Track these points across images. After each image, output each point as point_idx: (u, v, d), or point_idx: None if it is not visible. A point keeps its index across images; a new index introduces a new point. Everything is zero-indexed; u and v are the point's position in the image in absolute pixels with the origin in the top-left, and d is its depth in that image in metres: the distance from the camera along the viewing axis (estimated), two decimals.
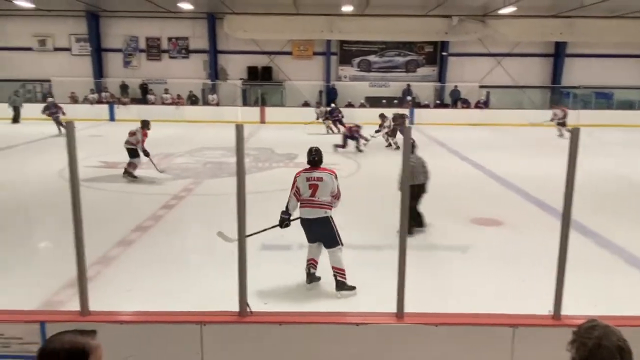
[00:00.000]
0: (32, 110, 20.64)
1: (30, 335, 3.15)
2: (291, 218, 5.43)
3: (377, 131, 16.56)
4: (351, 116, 19.57)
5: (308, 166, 5.48)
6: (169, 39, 25.74)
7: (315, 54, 25.82)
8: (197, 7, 22.24)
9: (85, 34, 25.22)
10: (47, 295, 5.11)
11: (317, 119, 20.42)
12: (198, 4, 21.69)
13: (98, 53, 25.52)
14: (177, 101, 24.81)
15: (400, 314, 3.21)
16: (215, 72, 25.66)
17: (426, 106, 25.10)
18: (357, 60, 26.24)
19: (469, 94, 25.43)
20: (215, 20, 24.98)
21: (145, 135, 10.85)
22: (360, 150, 15.56)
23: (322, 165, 5.49)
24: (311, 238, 5.49)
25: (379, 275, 5.47)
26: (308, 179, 5.37)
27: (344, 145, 15.65)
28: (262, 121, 23.25)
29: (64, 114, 18.43)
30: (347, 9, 22.18)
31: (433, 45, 25.95)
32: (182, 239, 7.29)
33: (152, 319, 3.29)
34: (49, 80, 25.59)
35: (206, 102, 25.04)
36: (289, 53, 25.79)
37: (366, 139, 15.98)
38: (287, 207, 5.40)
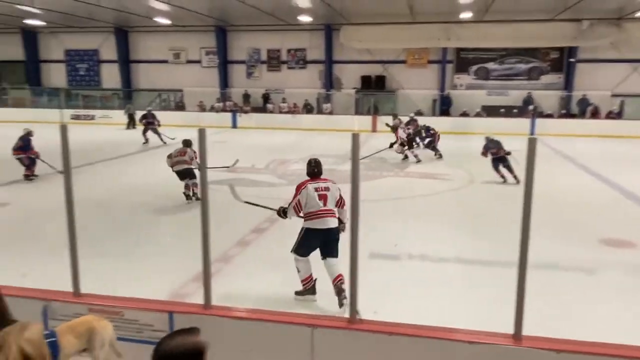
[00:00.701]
0: (166, 117, 22.41)
1: (160, 323, 3.45)
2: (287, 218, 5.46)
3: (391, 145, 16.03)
4: (465, 126, 18.89)
5: (308, 178, 5.37)
6: (288, 51, 26.82)
7: (430, 62, 25.38)
8: (316, 19, 22.94)
9: (213, 48, 27.14)
10: (175, 287, 5.56)
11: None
12: (317, 16, 22.37)
13: (224, 65, 27.32)
14: (293, 110, 25.76)
15: (518, 335, 3.03)
16: (330, 82, 26.26)
17: (549, 116, 23.52)
18: (474, 68, 25.34)
19: (599, 103, 23.40)
20: (331, 31, 25.58)
21: (194, 152, 10.15)
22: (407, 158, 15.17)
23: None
24: (318, 249, 5.24)
25: (494, 292, 5.22)
26: (317, 189, 5.24)
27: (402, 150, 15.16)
28: (374, 130, 23.31)
29: (159, 124, 18.60)
30: (466, 15, 21.53)
31: (559, 51, 24.27)
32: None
33: (267, 317, 3.44)
34: (181, 90, 27.90)
35: (320, 111, 25.69)
36: (403, 62, 25.62)
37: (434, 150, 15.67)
38: (287, 210, 5.40)
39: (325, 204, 5.21)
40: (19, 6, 20.38)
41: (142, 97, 28.22)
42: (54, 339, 2.94)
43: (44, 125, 19.43)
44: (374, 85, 25.72)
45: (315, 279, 5.35)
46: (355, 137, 3.04)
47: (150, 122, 18.50)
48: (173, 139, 16.92)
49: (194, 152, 9.80)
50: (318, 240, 5.20)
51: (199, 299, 3.61)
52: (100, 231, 7.64)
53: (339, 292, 5.03)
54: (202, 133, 3.25)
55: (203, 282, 3.46)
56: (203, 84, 27.39)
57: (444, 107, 24.91)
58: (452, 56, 25.24)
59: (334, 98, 26.28)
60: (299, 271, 5.34)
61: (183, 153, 9.84)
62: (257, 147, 17.89)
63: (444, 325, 3.31)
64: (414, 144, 15.68)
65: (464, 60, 25.31)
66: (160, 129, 18.45)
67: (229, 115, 25.35)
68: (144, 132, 18.55)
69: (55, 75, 29.57)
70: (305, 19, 22.52)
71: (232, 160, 12.02)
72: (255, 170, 13.38)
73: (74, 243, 3.70)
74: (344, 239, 3.44)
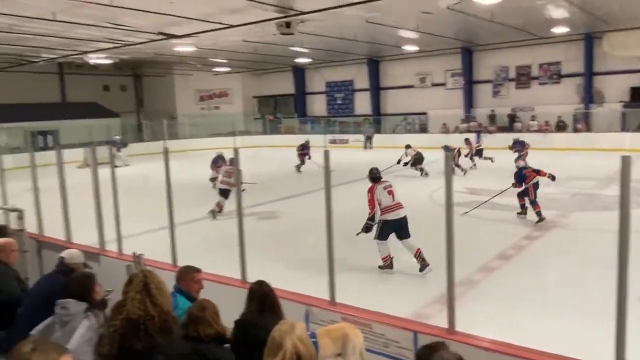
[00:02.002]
0: (410, 140, 23.01)
1: (405, 341, 3.57)
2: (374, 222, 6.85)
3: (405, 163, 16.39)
4: None
5: (372, 183, 6.90)
6: (540, 65, 25.00)
7: None
8: (573, 29, 20.89)
9: (458, 69, 27.03)
10: (417, 307, 5.67)
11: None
12: (574, 26, 20.35)
13: (469, 85, 26.92)
14: (544, 128, 23.79)
15: None
16: (589, 96, 23.47)
17: None
18: None
19: None
20: (592, 40, 22.91)
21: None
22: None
23: None
24: (396, 234, 6.82)
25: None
26: (385, 188, 6.78)
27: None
28: None
29: (309, 157, 18.38)
30: None
31: None
32: (544, 274, 6.92)
33: (513, 352, 3.25)
34: (425, 113, 28.48)
35: (576, 129, 23.12)
36: None
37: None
38: (372, 218, 6.76)
39: (394, 199, 6.81)
40: (292, 48, 23.76)
41: (389, 122, 29.73)
42: (314, 340, 3.31)
43: (313, 149, 21.88)
44: None
45: (392, 257, 7.00)
46: (625, 160, 2.69)
47: (305, 154, 18.86)
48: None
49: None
50: (392, 228, 6.77)
51: (441, 321, 3.62)
52: (345, 246, 8.27)
53: (422, 261, 6.71)
54: (447, 154, 3.29)
55: (447, 306, 3.46)
56: (447, 106, 27.46)
57: None
58: None
59: (593, 114, 23.37)
60: (380, 252, 6.95)
61: (231, 174, 10.43)
62: (502, 169, 17.04)
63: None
64: None
65: None
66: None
67: (473, 135, 24.77)
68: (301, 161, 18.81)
69: (317, 105, 33.39)
70: (560, 30, 20.69)
71: (483, 183, 11.67)
72: (500, 193, 12.73)
73: (332, 256, 4.12)
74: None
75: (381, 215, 6.75)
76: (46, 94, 29.84)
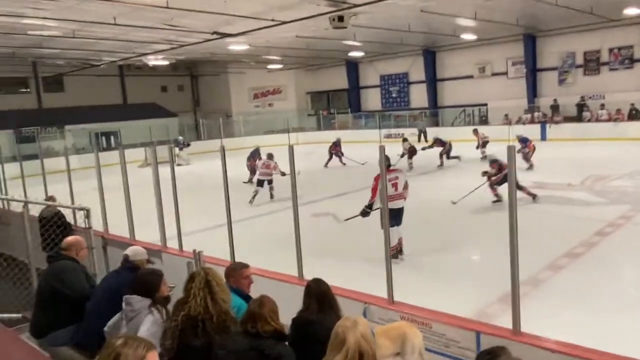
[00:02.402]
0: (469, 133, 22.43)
1: (466, 341, 3.51)
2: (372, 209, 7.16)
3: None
4: None
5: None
6: (610, 50, 23.69)
7: None
8: None
9: (520, 57, 26.05)
10: (480, 305, 5.55)
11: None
12: None
13: (533, 74, 25.88)
14: (615, 117, 22.54)
15: None
16: None
17: None
18: None
19: None
20: None
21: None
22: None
23: None
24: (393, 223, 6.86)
25: None
26: (390, 180, 6.93)
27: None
28: None
29: (342, 154, 19.42)
30: None
31: None
32: (616, 273, 6.59)
33: (580, 354, 3.12)
34: (485, 104, 27.67)
35: None
36: None
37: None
38: (370, 205, 7.15)
39: (396, 190, 7.21)
40: (345, 42, 23.73)
41: (447, 114, 29.12)
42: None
43: (363, 145, 22.07)
44: None
45: (399, 248, 7.34)
46: (510, 149, 2.67)
47: (336, 151, 19.70)
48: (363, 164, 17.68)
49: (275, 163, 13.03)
50: (392, 216, 6.56)
51: (504, 322, 3.53)
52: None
53: (399, 251, 7.31)
54: (511, 149, 3.19)
55: (512, 307, 3.37)
56: (509, 96, 26.53)
57: None
58: None
59: None
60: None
61: (269, 166, 13.01)
62: (570, 161, 16.35)
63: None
64: None
65: None
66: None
67: (537, 127, 23.86)
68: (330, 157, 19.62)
69: (372, 99, 33.18)
70: (632, 11, 19.51)
71: (543, 176, 11.28)
72: (569, 187, 12.22)
73: (388, 254, 4.11)
74: None
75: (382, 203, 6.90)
76: (108, 96, 31.35)
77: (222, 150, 5.58)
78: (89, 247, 5.50)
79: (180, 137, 24.92)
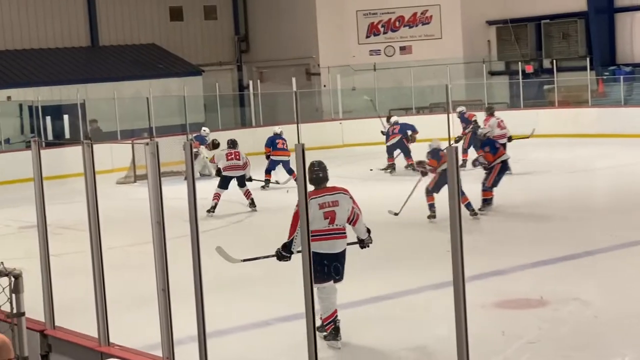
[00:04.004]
0: None
1: None
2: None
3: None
4: None
5: (312, 188, 4.89)
6: None
7: None
8: None
9: None
10: None
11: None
12: None
13: None
14: None
15: None
16: None
17: None
18: None
19: None
20: None
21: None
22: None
23: (329, 184, 5.09)
24: (329, 277, 4.97)
25: None
26: (321, 206, 4.92)
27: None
28: None
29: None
30: None
31: None
32: None
33: None
34: None
35: None
36: None
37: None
38: (291, 244, 4.91)
39: (332, 222, 5.03)
40: None
41: None
42: None
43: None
44: None
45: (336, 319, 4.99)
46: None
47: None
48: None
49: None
50: (325, 265, 4.96)
51: None
52: None
53: (337, 331, 5.00)
54: None
55: None
56: None
57: None
58: None
59: None
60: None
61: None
62: None
63: None
64: None
65: None
66: None
67: None
68: None
69: None
70: None
71: None
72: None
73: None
74: None
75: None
76: (62, 32, 20.15)
77: (301, 149, 2.50)
78: (17, 357, 3.00)
79: (205, 129, 14.21)
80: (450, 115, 12.22)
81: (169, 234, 3.04)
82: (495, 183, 9.32)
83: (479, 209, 9.01)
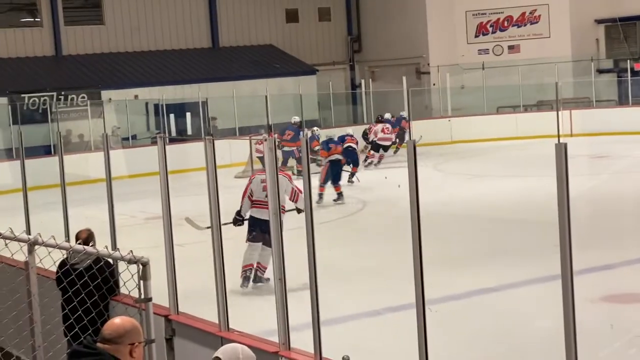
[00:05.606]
0: None
1: None
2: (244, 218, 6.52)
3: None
4: None
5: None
6: None
7: None
8: None
9: None
10: None
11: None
12: None
13: None
14: None
15: None
16: None
17: None
18: None
19: None
20: None
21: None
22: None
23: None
24: (257, 238, 6.41)
25: None
26: (263, 181, 6.07)
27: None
28: None
29: None
30: None
31: None
32: None
33: None
34: None
35: None
36: None
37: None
38: (240, 209, 6.50)
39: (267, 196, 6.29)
40: None
41: None
42: None
43: None
44: None
45: (257, 270, 6.46)
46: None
47: None
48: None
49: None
50: (258, 228, 6.36)
51: None
52: None
53: (254, 277, 6.54)
54: None
55: None
56: None
57: None
58: None
59: None
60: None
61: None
62: None
63: None
64: None
65: None
66: None
67: None
68: None
69: None
70: None
71: None
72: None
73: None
74: None
75: (250, 208, 6.72)
76: (184, 35, 21.39)
77: (413, 146, 2.54)
78: (145, 339, 3.01)
79: (316, 129, 14.38)
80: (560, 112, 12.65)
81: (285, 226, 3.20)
82: (326, 180, 10.91)
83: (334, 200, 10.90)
